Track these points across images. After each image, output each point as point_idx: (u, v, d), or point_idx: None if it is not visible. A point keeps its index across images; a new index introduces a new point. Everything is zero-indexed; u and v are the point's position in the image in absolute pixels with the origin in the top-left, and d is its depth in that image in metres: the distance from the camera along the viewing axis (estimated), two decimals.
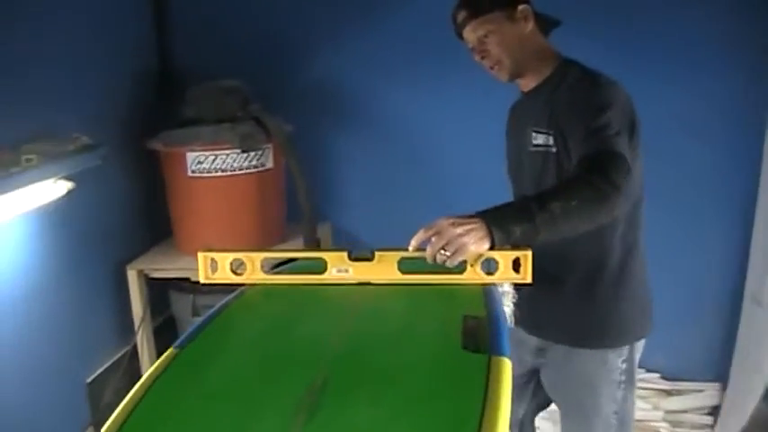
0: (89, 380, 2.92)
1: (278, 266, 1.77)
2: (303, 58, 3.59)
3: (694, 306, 3.48)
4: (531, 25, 2.02)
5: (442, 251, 1.48)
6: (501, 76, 2.05)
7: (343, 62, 3.57)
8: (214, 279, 1.62)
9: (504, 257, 1.54)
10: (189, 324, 1.58)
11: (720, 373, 3.44)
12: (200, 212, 3.20)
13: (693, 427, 3.28)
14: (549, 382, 2.19)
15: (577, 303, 2.02)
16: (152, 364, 1.31)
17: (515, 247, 1.54)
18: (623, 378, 2.04)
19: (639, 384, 3.29)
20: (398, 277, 1.56)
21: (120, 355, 3.08)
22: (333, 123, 3.66)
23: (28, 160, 2.21)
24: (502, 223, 1.51)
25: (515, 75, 2.05)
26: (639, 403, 3.26)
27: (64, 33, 2.79)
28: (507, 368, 1.16)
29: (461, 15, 2.02)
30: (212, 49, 3.57)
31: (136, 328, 3.12)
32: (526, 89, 2.11)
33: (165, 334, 3.24)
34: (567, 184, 1.66)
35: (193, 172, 3.09)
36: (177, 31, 3.56)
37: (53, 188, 2.47)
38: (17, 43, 2.50)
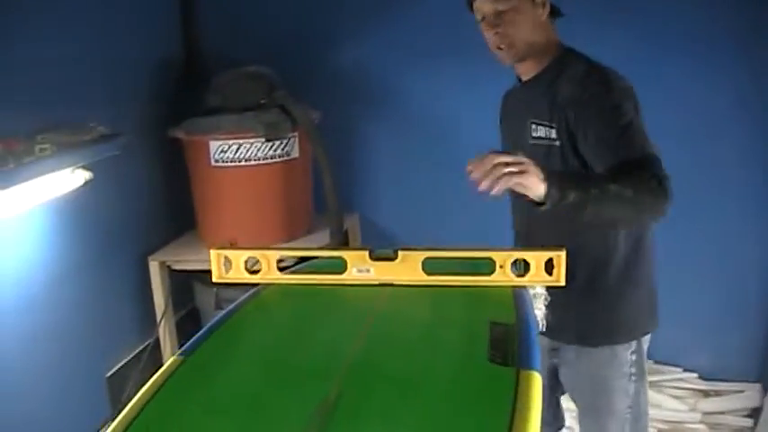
0: (109, 374, 2.86)
1: (298, 264, 1.68)
2: (331, 45, 3.51)
3: (735, 304, 3.36)
4: (547, 12, 1.99)
5: (505, 165, 1.47)
6: (506, 58, 2.00)
7: (372, 49, 3.47)
8: (228, 278, 1.53)
9: (535, 258, 1.44)
10: (212, 317, 1.50)
11: (762, 374, 3.32)
12: (224, 203, 3.13)
13: (732, 429, 3.15)
14: (566, 381, 2.18)
15: (584, 302, 1.99)
16: None
17: (547, 247, 1.44)
18: (634, 371, 2.03)
19: (676, 384, 3.24)
20: (423, 278, 1.46)
21: (141, 348, 3.02)
22: (361, 111, 3.57)
23: (42, 150, 2.14)
24: (560, 182, 1.50)
25: (522, 59, 2.01)
26: (676, 404, 3.15)
27: (85, 20, 2.73)
28: (537, 384, 1.06)
29: None
30: (239, 35, 3.50)
31: (158, 320, 3.05)
32: (525, 76, 2.06)
33: (187, 327, 3.17)
34: (625, 175, 1.64)
35: (216, 161, 3.01)
36: (204, 17, 3.48)
37: (70, 178, 2.42)
38: (35, 30, 2.43)
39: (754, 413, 3.20)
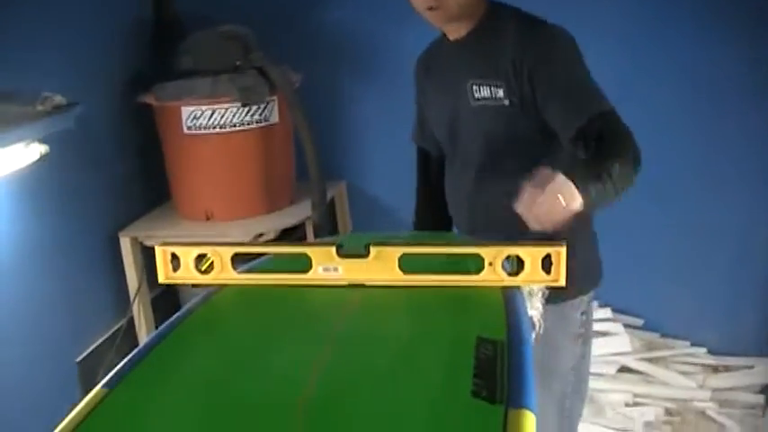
0: (79, 358, 2.68)
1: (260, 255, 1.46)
2: (314, 1, 3.26)
3: (746, 276, 3.17)
4: None
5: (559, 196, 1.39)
6: (436, 19, 1.84)
7: (358, 4, 3.23)
8: (176, 278, 1.32)
9: (530, 254, 1.23)
10: (191, 295, 1.28)
11: None
12: (199, 173, 2.92)
13: (743, 407, 2.97)
14: None
15: None
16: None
17: (543, 241, 1.24)
18: (582, 331, 1.97)
19: (684, 360, 3.05)
20: (399, 278, 1.25)
21: (114, 330, 2.84)
22: (347, 72, 3.35)
23: None
24: (583, 183, 1.42)
25: (452, 20, 1.84)
26: (684, 381, 2.98)
27: None
28: (530, 426, 0.86)
29: None
30: None
31: (131, 300, 2.86)
32: (456, 35, 1.89)
33: (164, 306, 2.98)
34: (609, 149, 1.56)
35: (189, 128, 2.79)
36: None
37: (23, 153, 2.20)
38: None
39: (766, 389, 3.02)
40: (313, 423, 0.89)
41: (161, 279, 1.33)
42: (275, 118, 2.88)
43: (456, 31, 1.89)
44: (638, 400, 2.88)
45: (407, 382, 0.98)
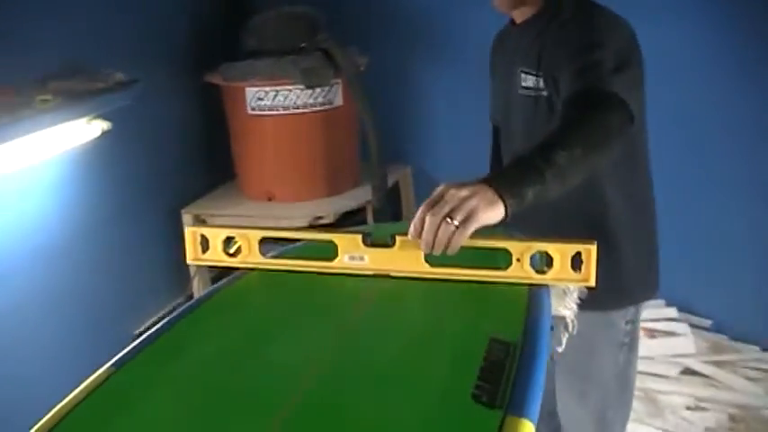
0: (138, 331, 2.72)
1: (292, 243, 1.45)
2: None
3: None
4: None
5: (448, 219, 1.16)
6: (501, 5, 1.79)
7: None
8: (204, 260, 1.32)
9: (560, 251, 1.19)
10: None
11: None
12: (262, 154, 2.93)
13: None
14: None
15: None
16: None
17: (574, 239, 1.19)
18: (627, 340, 1.87)
19: (752, 365, 2.92)
20: (424, 270, 1.22)
21: (173, 305, 2.88)
22: (416, 55, 3.30)
23: (43, 101, 1.97)
24: (512, 187, 1.23)
25: (517, 5, 1.79)
26: (751, 387, 2.84)
27: None
28: None
29: None
30: None
31: (191, 277, 2.90)
32: (519, 20, 1.84)
33: None
34: (564, 130, 1.42)
35: (253, 109, 2.80)
36: None
37: (85, 129, 2.25)
38: None
39: None
40: (301, 419, 0.87)
41: (189, 259, 1.33)
42: (339, 101, 2.86)
43: (520, 15, 1.84)
44: (701, 404, 2.76)
45: (409, 380, 0.95)
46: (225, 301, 1.23)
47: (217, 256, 1.32)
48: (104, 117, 2.29)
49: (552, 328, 1.27)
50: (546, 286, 1.21)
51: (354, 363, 1.00)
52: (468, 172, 3.01)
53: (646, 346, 2.83)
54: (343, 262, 1.25)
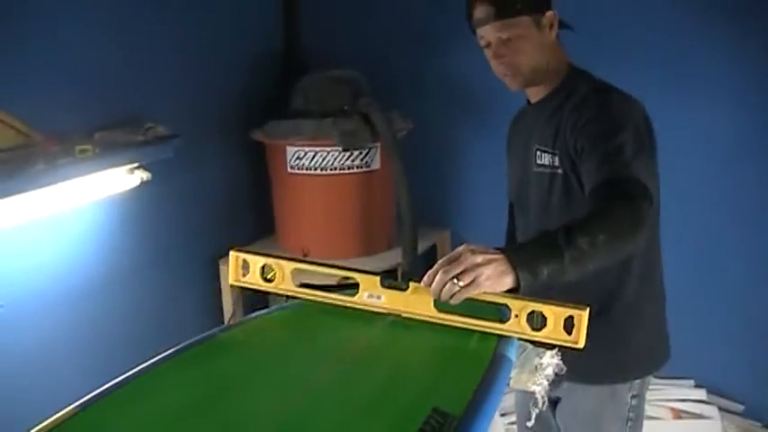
0: None
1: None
2: (432, 49, 3.31)
3: None
4: (555, 32, 1.82)
5: (455, 279, 1.27)
6: (512, 85, 1.86)
7: (475, 54, 3.24)
8: (244, 282, 1.49)
9: (554, 313, 1.27)
10: None
11: None
12: (300, 211, 3.01)
13: None
14: (560, 417, 2.00)
15: (587, 337, 1.73)
16: None
17: (569, 304, 1.27)
18: (632, 415, 1.88)
19: None
20: (432, 314, 1.34)
21: None
22: (460, 121, 3.36)
23: (82, 151, 2.09)
24: (528, 262, 1.31)
25: (529, 84, 1.87)
26: None
27: (177, 20, 2.72)
28: None
29: (484, 11, 1.79)
30: (339, 37, 3.37)
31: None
32: (534, 98, 1.91)
33: None
34: (591, 217, 1.47)
35: (293, 168, 2.90)
36: (306, 15, 3.37)
37: (126, 178, 2.37)
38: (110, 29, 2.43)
39: None
40: None
41: (231, 280, 1.51)
42: (377, 164, 2.93)
43: (535, 95, 1.91)
44: None
45: None
46: (217, 345, 1.34)
47: (255, 281, 1.48)
48: (146, 167, 2.42)
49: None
50: (509, 359, 1.25)
51: (299, 425, 1.05)
52: (504, 238, 3.05)
53: (670, 427, 2.80)
54: (363, 298, 1.40)
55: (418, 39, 3.33)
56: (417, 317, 1.35)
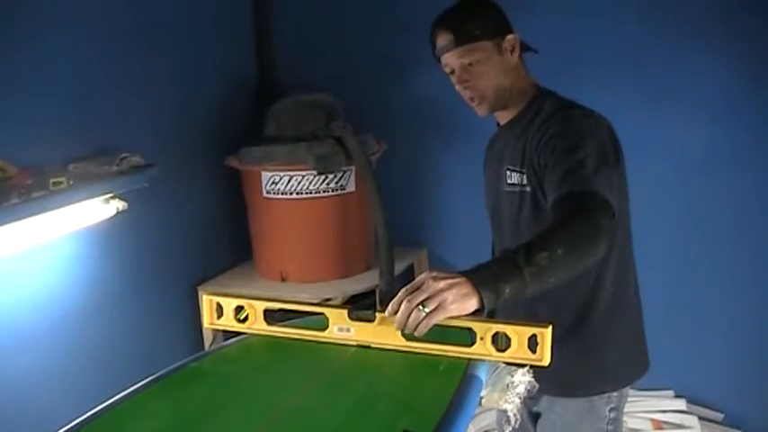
0: None
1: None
2: (405, 73, 3.36)
3: None
4: (517, 55, 1.87)
5: (420, 307, 1.28)
6: (480, 111, 1.92)
7: (442, 79, 3.29)
8: (218, 324, 1.51)
9: (517, 333, 1.29)
10: None
11: None
12: (276, 236, 3.04)
13: None
14: (540, 430, 2.02)
15: (564, 350, 1.76)
16: None
17: (531, 323, 1.29)
18: (610, 428, 1.90)
19: None
20: (401, 343, 1.36)
21: None
22: (433, 142, 3.41)
23: (56, 183, 2.11)
24: (490, 282, 1.33)
25: (495, 109, 1.91)
26: None
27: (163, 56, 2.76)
28: None
29: (445, 39, 1.85)
30: (314, 63, 3.42)
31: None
32: (502, 121, 1.96)
33: None
34: (549, 232, 1.49)
35: (268, 193, 2.92)
36: (279, 43, 3.43)
37: (102, 208, 2.38)
38: (88, 56, 2.45)
39: None
40: None
41: (205, 324, 1.54)
42: (352, 186, 2.96)
43: (503, 117, 1.96)
44: None
45: None
46: (176, 381, 1.36)
47: (229, 322, 1.51)
48: (122, 197, 2.43)
49: None
50: (479, 379, 1.27)
51: None
52: (481, 255, 3.10)
53: None
54: (333, 333, 1.41)
55: (388, 64, 3.38)
56: (387, 347, 1.37)
